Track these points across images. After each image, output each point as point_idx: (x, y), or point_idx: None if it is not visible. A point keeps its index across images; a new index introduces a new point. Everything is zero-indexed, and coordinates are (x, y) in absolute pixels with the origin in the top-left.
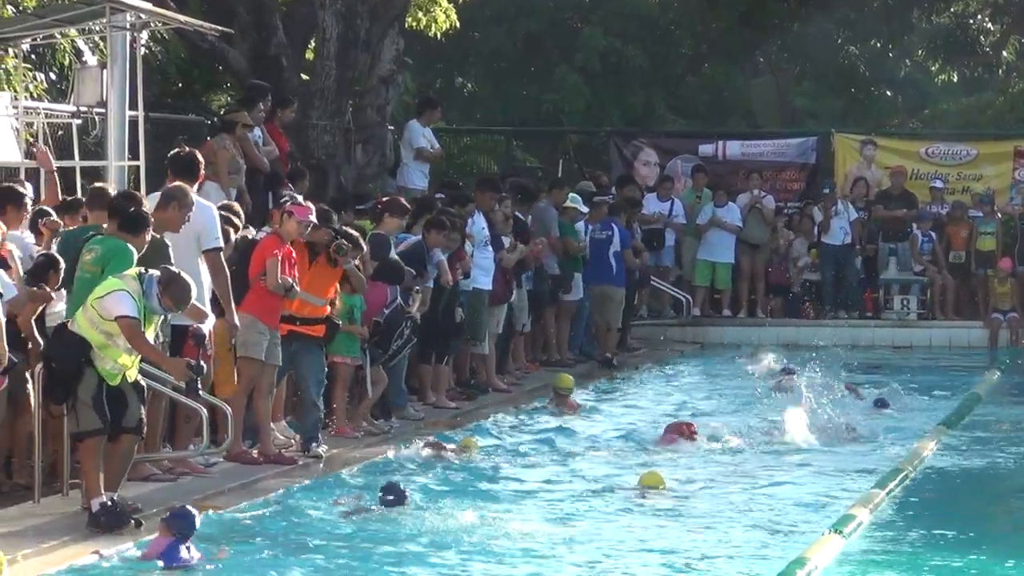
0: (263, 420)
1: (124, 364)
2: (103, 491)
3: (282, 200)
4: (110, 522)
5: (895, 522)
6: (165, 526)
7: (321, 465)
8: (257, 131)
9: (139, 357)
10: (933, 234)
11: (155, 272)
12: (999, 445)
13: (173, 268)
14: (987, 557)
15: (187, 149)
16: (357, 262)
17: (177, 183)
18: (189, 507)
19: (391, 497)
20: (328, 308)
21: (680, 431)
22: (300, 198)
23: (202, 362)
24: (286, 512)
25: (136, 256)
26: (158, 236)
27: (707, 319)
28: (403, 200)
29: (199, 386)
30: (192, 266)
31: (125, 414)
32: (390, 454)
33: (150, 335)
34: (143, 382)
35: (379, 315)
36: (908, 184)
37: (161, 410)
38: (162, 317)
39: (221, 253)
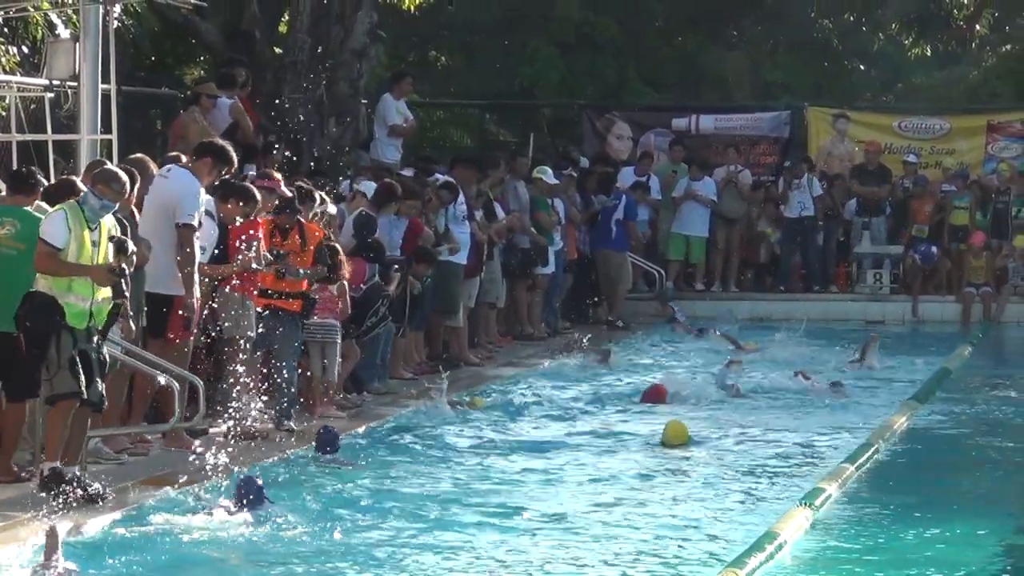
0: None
1: (88, 295)
2: (58, 458)
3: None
4: (56, 490)
5: (864, 495)
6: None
7: (294, 439)
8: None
9: (106, 296)
10: None
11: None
12: (969, 419)
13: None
14: (955, 530)
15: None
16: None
17: (139, 155)
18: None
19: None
20: (305, 283)
21: (657, 394)
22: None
23: (123, 265)
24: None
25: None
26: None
27: (680, 293)
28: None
29: (124, 289)
30: (164, 238)
31: (90, 387)
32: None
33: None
34: (108, 357)
35: (355, 290)
36: (881, 158)
37: (122, 385)
38: (114, 246)
39: (192, 230)
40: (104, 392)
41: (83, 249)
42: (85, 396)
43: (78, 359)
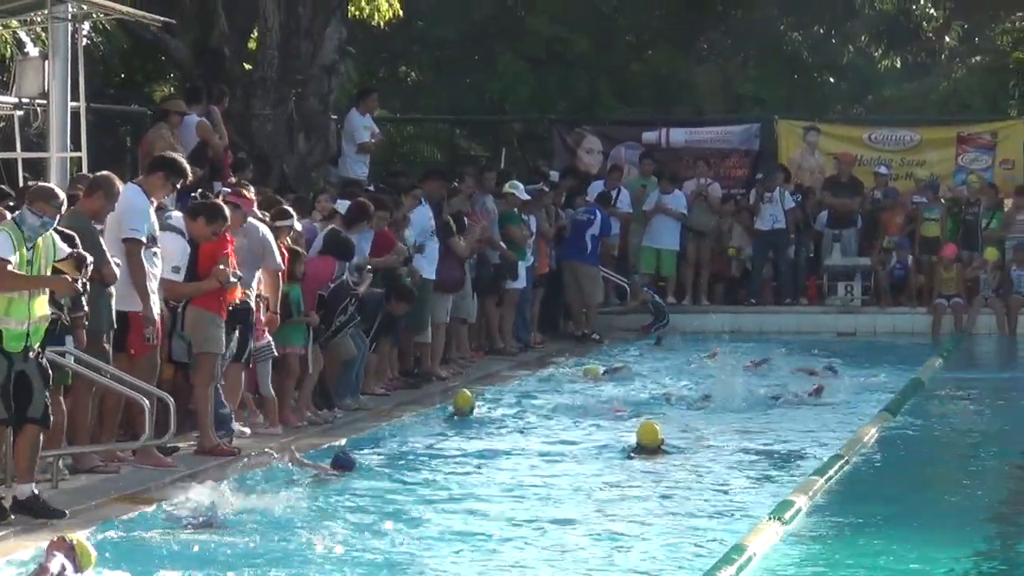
0: (204, 411)
1: (23, 317)
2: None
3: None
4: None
5: (835, 508)
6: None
7: (272, 453)
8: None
9: (44, 315)
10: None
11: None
12: (940, 431)
13: None
14: (925, 542)
15: None
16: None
17: (105, 172)
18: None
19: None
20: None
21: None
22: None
23: (85, 280)
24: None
25: None
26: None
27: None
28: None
29: (83, 303)
30: (120, 254)
31: (30, 404)
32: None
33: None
34: (48, 366)
35: (324, 289)
36: (852, 170)
37: (91, 401)
38: (74, 260)
39: (137, 245)
40: (48, 407)
41: (20, 268)
42: (12, 423)
43: (11, 383)
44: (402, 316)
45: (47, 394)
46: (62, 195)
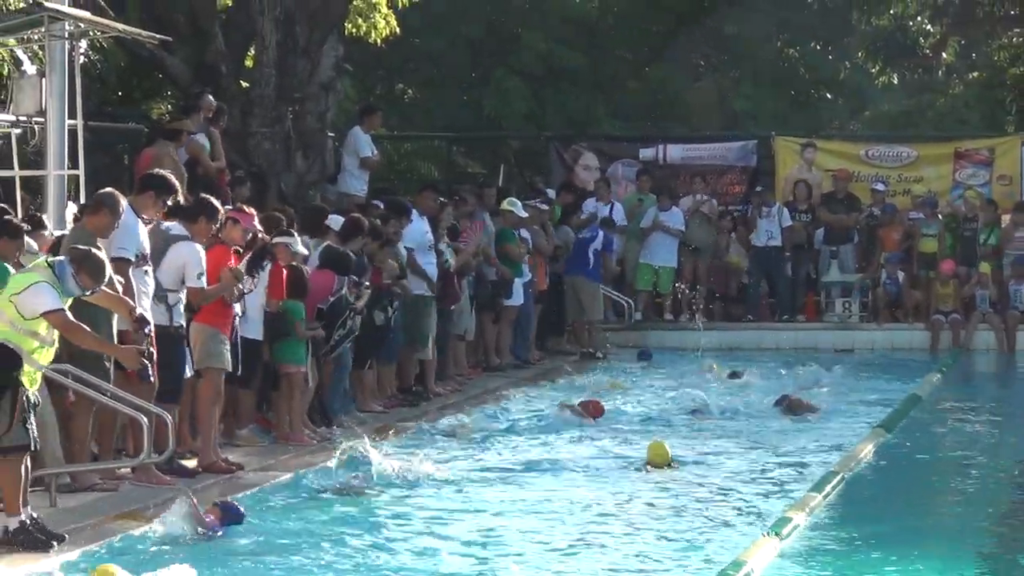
0: (207, 427)
1: (47, 363)
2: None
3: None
4: (28, 541)
5: (831, 524)
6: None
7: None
8: (201, 137)
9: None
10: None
11: (62, 256)
12: (938, 447)
13: (82, 247)
14: (921, 559)
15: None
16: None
17: (109, 189)
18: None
19: None
20: None
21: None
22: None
23: (150, 347)
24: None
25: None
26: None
27: (649, 323)
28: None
29: (151, 372)
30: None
31: (28, 431)
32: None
33: None
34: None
35: (323, 302)
36: (849, 186)
37: (91, 419)
38: (137, 323)
39: (126, 264)
40: (36, 434)
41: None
42: (34, 448)
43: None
44: (397, 332)
45: (33, 419)
46: (109, 272)
